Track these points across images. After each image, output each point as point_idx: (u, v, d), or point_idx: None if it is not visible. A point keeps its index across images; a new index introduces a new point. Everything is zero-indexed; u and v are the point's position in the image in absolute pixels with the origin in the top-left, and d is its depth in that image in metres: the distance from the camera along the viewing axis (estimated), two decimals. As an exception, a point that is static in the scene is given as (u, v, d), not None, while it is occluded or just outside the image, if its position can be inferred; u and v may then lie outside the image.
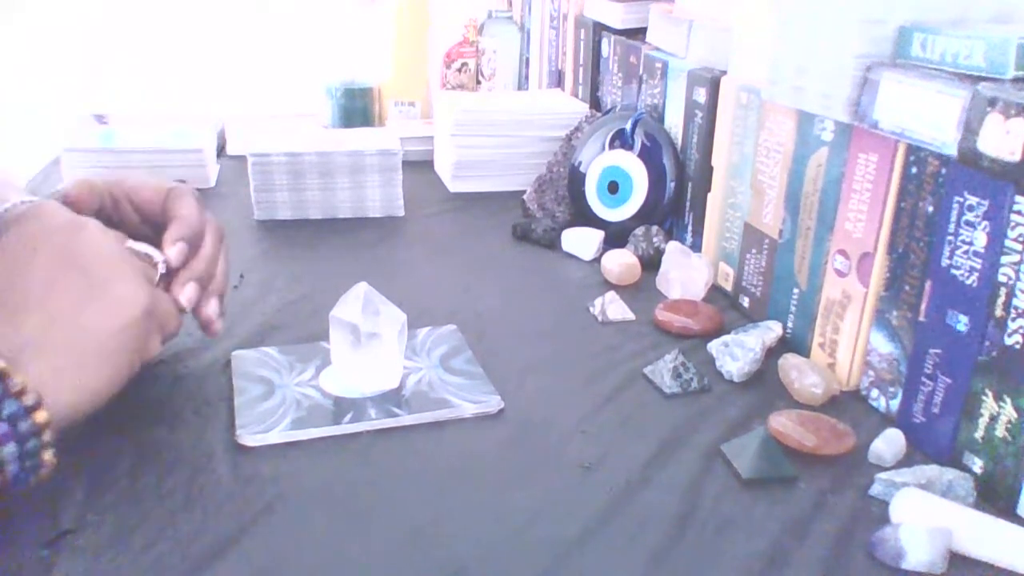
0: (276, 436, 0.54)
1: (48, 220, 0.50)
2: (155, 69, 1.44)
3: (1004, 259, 0.48)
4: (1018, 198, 0.47)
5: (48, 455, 0.44)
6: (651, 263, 0.83)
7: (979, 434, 0.51)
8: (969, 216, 0.51)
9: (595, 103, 1.17)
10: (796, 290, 0.69)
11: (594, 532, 0.47)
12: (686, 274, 0.78)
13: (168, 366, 0.63)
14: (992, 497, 0.50)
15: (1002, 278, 0.48)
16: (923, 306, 0.55)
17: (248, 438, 0.54)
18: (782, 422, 0.55)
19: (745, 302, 0.77)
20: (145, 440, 0.54)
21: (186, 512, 0.47)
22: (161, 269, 0.55)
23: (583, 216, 0.94)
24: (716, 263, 0.82)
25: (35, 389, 0.43)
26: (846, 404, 0.61)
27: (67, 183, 0.58)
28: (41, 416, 0.43)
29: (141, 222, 0.59)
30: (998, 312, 0.49)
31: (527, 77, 1.45)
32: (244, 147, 1.01)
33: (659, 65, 0.92)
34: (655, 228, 0.86)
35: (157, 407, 0.57)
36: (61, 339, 0.47)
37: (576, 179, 0.95)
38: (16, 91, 1.41)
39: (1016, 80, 0.49)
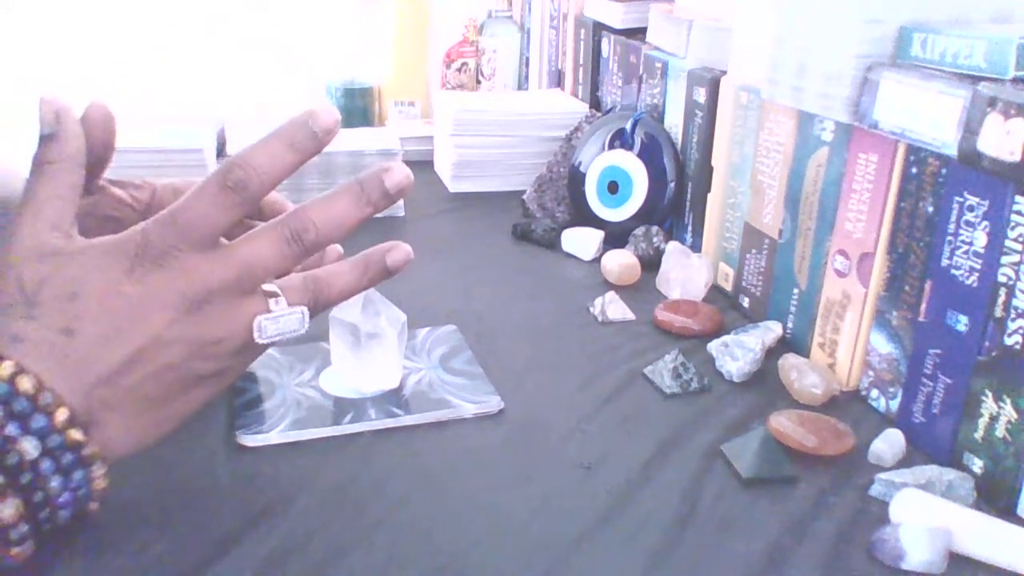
0: (276, 436, 0.54)
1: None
2: (155, 69, 1.44)
3: (1004, 259, 0.48)
4: (1018, 198, 0.47)
5: (94, 506, 0.43)
6: (651, 263, 0.83)
7: (979, 434, 0.51)
8: (969, 216, 0.51)
9: (595, 103, 1.16)
10: (796, 290, 0.69)
11: (594, 532, 0.47)
12: (686, 274, 0.78)
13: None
14: (992, 497, 0.50)
15: (1002, 278, 0.48)
16: (923, 306, 0.55)
17: (248, 438, 0.54)
18: (782, 422, 0.55)
19: (745, 302, 0.77)
20: (145, 440, 0.54)
21: (186, 512, 0.47)
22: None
23: (583, 216, 0.94)
24: (716, 263, 0.82)
25: (105, 456, 0.41)
26: (846, 404, 0.61)
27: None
28: (101, 484, 0.42)
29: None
30: (998, 312, 0.49)
31: (527, 77, 1.45)
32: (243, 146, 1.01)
33: (659, 65, 0.92)
34: (655, 228, 0.86)
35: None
36: (146, 397, 0.43)
37: (576, 179, 0.95)
38: (16, 90, 1.41)
39: (1016, 80, 0.49)
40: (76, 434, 0.40)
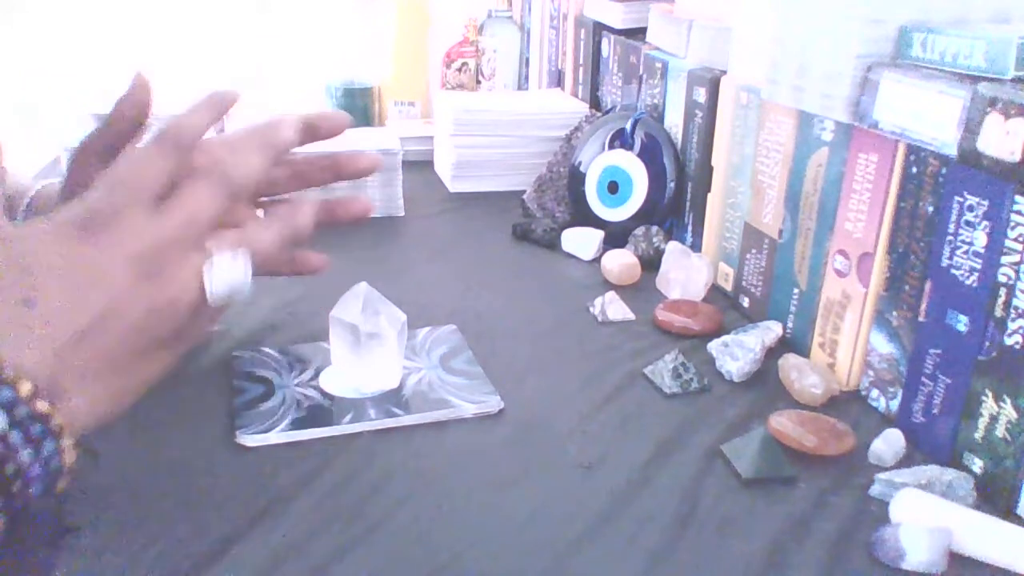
0: (276, 436, 0.54)
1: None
2: (155, 69, 1.44)
3: (1004, 259, 0.48)
4: (1018, 198, 0.47)
5: (61, 484, 0.42)
6: (651, 263, 0.83)
7: (979, 434, 0.51)
8: (969, 216, 0.51)
9: (595, 103, 1.16)
10: (796, 290, 0.69)
11: (594, 532, 0.47)
12: (686, 274, 0.78)
13: (168, 366, 0.63)
14: (992, 497, 0.50)
15: (1002, 278, 0.48)
16: (923, 306, 0.55)
17: (248, 439, 0.54)
18: (782, 422, 0.55)
19: (745, 302, 0.77)
20: (145, 440, 0.54)
21: (186, 512, 0.47)
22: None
23: (583, 216, 0.94)
24: (716, 263, 0.82)
25: (73, 428, 0.41)
26: (846, 404, 0.61)
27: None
28: (70, 458, 0.42)
29: None
30: (998, 312, 0.49)
31: (527, 77, 1.45)
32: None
33: (659, 65, 0.92)
34: (655, 228, 0.86)
35: (157, 407, 0.57)
36: (109, 362, 0.43)
37: (576, 179, 0.95)
38: (16, 91, 1.41)
39: (1016, 80, 0.49)
40: (43, 405, 0.40)
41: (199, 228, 0.46)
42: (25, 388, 0.40)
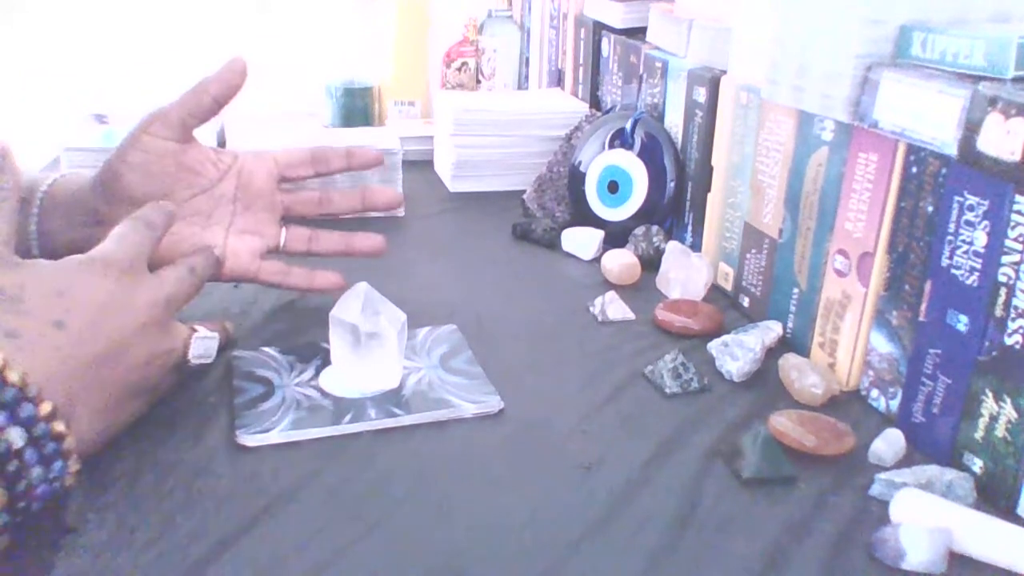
0: (276, 436, 0.54)
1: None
2: (155, 69, 1.44)
3: (1004, 259, 0.48)
4: (1018, 198, 0.47)
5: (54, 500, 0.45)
6: (651, 263, 0.83)
7: (979, 434, 0.51)
8: (969, 216, 0.51)
9: (595, 103, 1.16)
10: (796, 290, 0.69)
11: (594, 532, 0.47)
12: (686, 274, 0.78)
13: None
14: (992, 497, 0.50)
15: (1002, 278, 0.49)
16: (923, 306, 0.55)
17: (248, 438, 0.54)
18: (782, 422, 0.55)
19: (745, 302, 0.77)
20: (145, 440, 0.54)
21: (186, 512, 0.47)
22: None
23: (583, 216, 0.94)
24: (716, 263, 0.82)
25: (79, 450, 0.44)
26: (846, 404, 0.61)
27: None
28: (70, 481, 0.44)
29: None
30: (998, 312, 0.49)
31: (527, 77, 1.45)
32: (244, 146, 1.01)
33: (659, 65, 0.92)
34: (655, 228, 0.86)
35: (157, 407, 0.57)
36: (111, 394, 0.48)
37: (576, 179, 0.95)
38: (16, 91, 1.41)
39: (1016, 80, 0.49)
40: (60, 426, 0.42)
41: (179, 301, 0.55)
42: (46, 408, 0.42)
